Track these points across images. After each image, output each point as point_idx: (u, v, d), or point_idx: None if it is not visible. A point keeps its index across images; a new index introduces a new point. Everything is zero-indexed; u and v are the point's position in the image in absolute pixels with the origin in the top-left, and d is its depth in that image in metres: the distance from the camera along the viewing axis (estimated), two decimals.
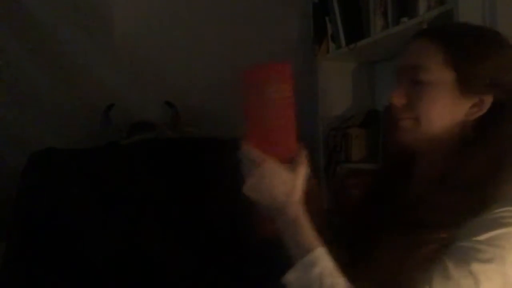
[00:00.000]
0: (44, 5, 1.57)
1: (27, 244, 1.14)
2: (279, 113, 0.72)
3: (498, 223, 0.63)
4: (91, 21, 1.65)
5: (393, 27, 1.49)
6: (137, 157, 1.32)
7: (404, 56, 0.77)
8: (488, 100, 0.70)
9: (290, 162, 0.71)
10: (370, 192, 0.87)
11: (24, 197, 1.21)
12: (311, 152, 0.74)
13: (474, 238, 0.63)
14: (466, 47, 0.70)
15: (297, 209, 0.71)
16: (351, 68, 1.97)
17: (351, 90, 1.97)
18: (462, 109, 0.70)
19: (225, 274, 1.08)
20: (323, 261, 0.67)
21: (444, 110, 0.71)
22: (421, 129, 0.72)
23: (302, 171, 0.71)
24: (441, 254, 0.64)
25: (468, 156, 0.69)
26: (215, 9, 1.78)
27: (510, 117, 0.70)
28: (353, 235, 0.79)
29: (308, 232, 0.70)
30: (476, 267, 0.61)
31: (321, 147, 1.90)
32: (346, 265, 0.69)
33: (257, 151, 0.71)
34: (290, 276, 0.67)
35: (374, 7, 1.59)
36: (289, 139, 0.72)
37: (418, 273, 0.64)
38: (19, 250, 1.14)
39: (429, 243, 0.65)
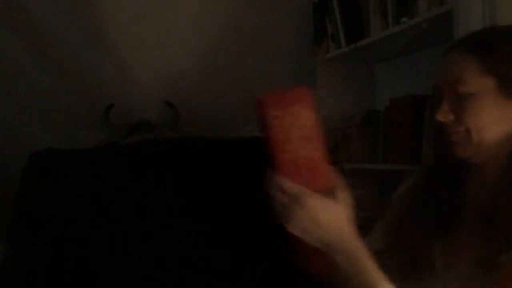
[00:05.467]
0: (45, 6, 1.57)
1: (27, 244, 1.14)
2: (307, 144, 0.68)
3: None
4: (91, 22, 1.65)
5: (393, 27, 1.49)
6: (137, 157, 1.32)
7: (440, 72, 0.76)
8: None
9: (329, 193, 0.67)
10: (417, 195, 0.83)
11: (23, 197, 1.21)
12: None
13: None
14: (499, 51, 0.69)
15: (355, 243, 0.66)
16: (351, 68, 1.97)
17: (351, 90, 1.97)
18: (510, 113, 0.69)
19: (225, 273, 1.08)
20: None
21: (493, 118, 0.69)
22: (474, 140, 0.70)
23: (347, 200, 0.68)
24: None
25: None
26: (214, 9, 1.78)
27: None
28: (406, 248, 0.76)
29: (372, 265, 0.65)
30: None
31: None
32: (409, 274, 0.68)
33: (294, 184, 0.65)
34: None
35: (374, 7, 1.59)
36: (321, 168, 0.68)
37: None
38: (19, 250, 1.14)
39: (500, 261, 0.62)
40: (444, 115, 0.72)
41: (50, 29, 1.61)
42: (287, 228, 0.66)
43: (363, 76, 1.99)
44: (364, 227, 0.83)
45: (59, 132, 1.67)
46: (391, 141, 1.64)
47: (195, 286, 1.03)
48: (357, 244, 0.66)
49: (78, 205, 1.16)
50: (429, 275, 0.70)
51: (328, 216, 0.65)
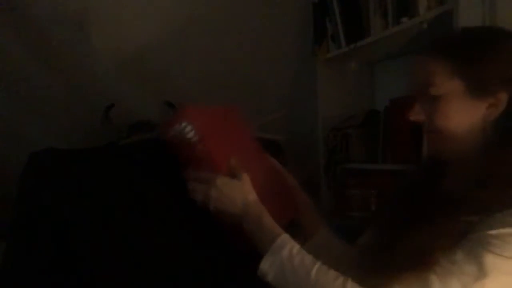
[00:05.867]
0: (45, 6, 1.57)
1: (27, 244, 1.14)
2: (196, 149, 0.85)
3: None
4: (91, 22, 1.65)
5: (393, 27, 1.49)
6: (137, 157, 1.32)
7: (412, 76, 0.80)
8: (503, 97, 0.70)
9: (232, 175, 0.85)
10: (401, 190, 0.89)
11: (24, 197, 1.21)
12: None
13: (488, 232, 0.64)
14: (465, 53, 0.72)
15: (257, 207, 0.83)
16: (351, 68, 1.97)
17: (351, 90, 1.97)
18: (479, 112, 0.72)
19: (227, 273, 1.08)
20: (289, 243, 0.76)
21: (462, 118, 0.72)
22: (445, 139, 0.74)
23: (245, 176, 0.85)
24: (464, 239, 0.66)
25: (495, 155, 0.70)
26: (214, 10, 1.78)
27: None
28: (383, 227, 0.81)
29: (271, 223, 0.80)
30: (483, 256, 0.63)
31: (321, 147, 1.90)
32: (376, 251, 0.74)
33: (205, 172, 0.85)
34: (264, 265, 0.75)
35: (374, 7, 1.59)
36: (217, 161, 0.86)
37: (446, 252, 0.65)
38: (19, 250, 1.14)
39: (457, 226, 0.67)
40: (416, 116, 0.77)
41: (50, 29, 1.61)
42: (211, 210, 0.84)
43: (363, 76, 2.00)
44: (362, 227, 0.89)
45: (59, 132, 1.67)
46: (391, 141, 1.65)
47: (196, 282, 1.03)
48: (258, 208, 0.83)
49: (78, 205, 1.16)
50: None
51: (234, 190, 0.84)
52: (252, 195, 0.84)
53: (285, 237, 0.77)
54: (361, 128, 1.77)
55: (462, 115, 0.72)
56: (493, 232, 0.64)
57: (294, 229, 0.90)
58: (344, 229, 0.98)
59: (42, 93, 1.66)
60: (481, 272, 0.62)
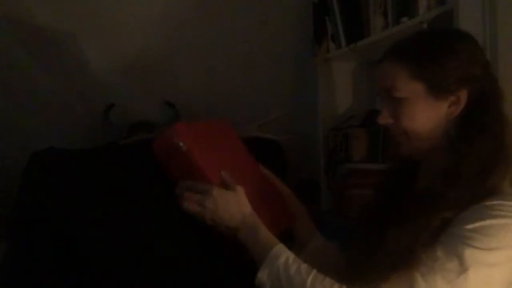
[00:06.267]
0: (44, 6, 1.57)
1: (27, 242, 1.14)
2: (188, 164, 0.86)
3: (487, 214, 0.67)
4: (91, 22, 1.65)
5: (393, 27, 1.49)
6: (137, 157, 1.32)
7: (377, 80, 0.82)
8: (463, 95, 0.73)
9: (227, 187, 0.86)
10: (380, 190, 0.91)
11: (25, 196, 1.21)
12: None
13: (464, 226, 0.67)
14: (422, 56, 0.75)
15: (253, 219, 0.84)
16: (351, 68, 1.97)
17: (351, 90, 1.97)
18: (441, 111, 0.75)
19: (227, 273, 1.08)
20: (285, 252, 0.77)
21: (426, 118, 0.75)
22: (412, 140, 0.77)
23: (239, 188, 0.86)
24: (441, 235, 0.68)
25: (460, 151, 0.72)
26: (214, 10, 1.78)
27: (489, 103, 0.74)
28: (366, 228, 0.83)
29: (267, 234, 0.82)
30: (462, 251, 0.65)
31: (321, 147, 1.90)
32: (361, 253, 0.75)
33: (202, 183, 0.85)
34: (261, 275, 0.76)
35: (374, 7, 1.59)
36: (209, 175, 0.86)
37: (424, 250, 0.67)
38: (19, 248, 1.14)
39: (433, 222, 0.69)
40: (383, 120, 0.80)
41: (50, 29, 1.61)
42: (206, 222, 0.84)
43: (363, 76, 2.00)
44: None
45: (59, 132, 1.67)
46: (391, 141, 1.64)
47: (196, 282, 1.03)
48: (254, 220, 0.84)
49: (79, 205, 1.16)
50: None
51: (230, 203, 0.84)
52: (248, 208, 0.85)
53: (280, 247, 0.79)
54: (361, 128, 1.77)
55: (426, 115, 0.75)
56: (469, 226, 0.66)
57: (289, 238, 0.91)
58: (344, 230, 0.98)
59: (42, 93, 1.66)
60: (462, 267, 0.64)
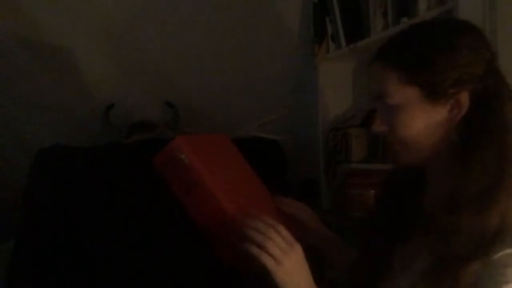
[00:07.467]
0: (44, 6, 1.57)
1: (36, 242, 1.15)
2: (191, 178, 0.79)
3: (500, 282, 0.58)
4: (91, 22, 1.65)
5: (393, 27, 1.49)
6: (137, 157, 1.32)
7: (369, 85, 0.75)
8: (464, 98, 0.65)
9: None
10: (384, 198, 0.84)
11: (32, 194, 1.22)
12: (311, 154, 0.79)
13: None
14: (415, 57, 0.67)
15: None
16: (351, 68, 1.97)
17: (351, 90, 1.97)
18: (441, 117, 0.67)
19: (228, 274, 1.08)
20: None
21: (423, 126, 0.67)
22: (410, 148, 0.70)
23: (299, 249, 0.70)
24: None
25: (467, 161, 0.64)
26: (214, 10, 1.78)
27: (495, 104, 0.65)
28: (369, 244, 0.78)
29: None
30: None
31: (321, 147, 1.90)
32: (366, 265, 0.72)
33: (286, 232, 0.69)
34: None
35: (374, 7, 1.59)
36: (211, 185, 0.79)
37: None
38: (28, 244, 1.15)
39: (462, 276, 0.60)
40: (378, 127, 0.74)
41: (50, 29, 1.61)
42: (273, 271, 0.66)
43: (363, 76, 1.99)
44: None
45: (59, 132, 1.67)
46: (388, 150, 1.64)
47: (197, 282, 1.03)
48: None
49: (83, 203, 1.17)
50: (387, 279, 0.70)
51: (303, 273, 0.69)
52: (311, 280, 0.70)
53: None
54: (361, 128, 1.77)
55: (424, 122, 0.67)
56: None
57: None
58: (344, 230, 0.98)
59: (42, 94, 1.66)
60: None
